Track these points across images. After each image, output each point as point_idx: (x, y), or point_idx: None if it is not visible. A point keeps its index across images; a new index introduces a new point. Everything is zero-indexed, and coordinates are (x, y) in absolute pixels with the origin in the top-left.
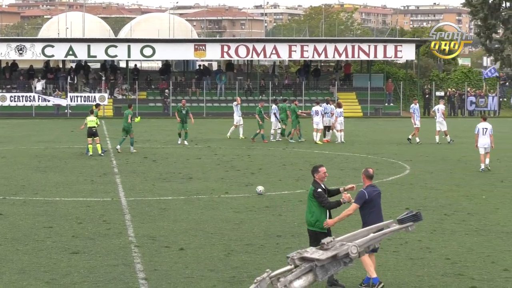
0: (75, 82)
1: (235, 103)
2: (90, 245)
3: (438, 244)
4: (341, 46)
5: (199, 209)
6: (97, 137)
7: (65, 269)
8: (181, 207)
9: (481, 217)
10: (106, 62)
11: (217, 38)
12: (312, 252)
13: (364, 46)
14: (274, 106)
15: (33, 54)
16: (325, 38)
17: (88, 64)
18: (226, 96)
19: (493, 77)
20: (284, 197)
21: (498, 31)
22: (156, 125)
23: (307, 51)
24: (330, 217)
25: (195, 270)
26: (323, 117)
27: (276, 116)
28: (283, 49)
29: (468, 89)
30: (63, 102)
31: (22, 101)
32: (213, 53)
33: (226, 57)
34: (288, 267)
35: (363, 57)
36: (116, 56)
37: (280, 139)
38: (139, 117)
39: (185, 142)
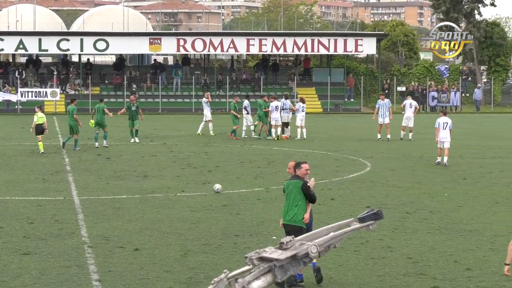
0: (23, 76)
1: (205, 99)
2: (42, 245)
3: (399, 243)
4: (300, 40)
5: (154, 208)
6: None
7: (16, 270)
8: (136, 206)
9: (443, 215)
10: (58, 56)
11: (173, 31)
12: (271, 252)
13: (324, 40)
14: (246, 101)
15: None
16: (284, 31)
17: (40, 58)
18: (183, 92)
19: (446, 77)
20: (243, 195)
21: (461, 25)
22: (109, 122)
23: (265, 45)
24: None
25: (150, 271)
26: (281, 113)
27: (247, 111)
28: (241, 43)
29: (431, 83)
30: (13, 98)
31: None
32: (168, 47)
33: (182, 51)
34: (247, 268)
35: (322, 51)
36: (68, 50)
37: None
38: (92, 122)
39: (136, 140)
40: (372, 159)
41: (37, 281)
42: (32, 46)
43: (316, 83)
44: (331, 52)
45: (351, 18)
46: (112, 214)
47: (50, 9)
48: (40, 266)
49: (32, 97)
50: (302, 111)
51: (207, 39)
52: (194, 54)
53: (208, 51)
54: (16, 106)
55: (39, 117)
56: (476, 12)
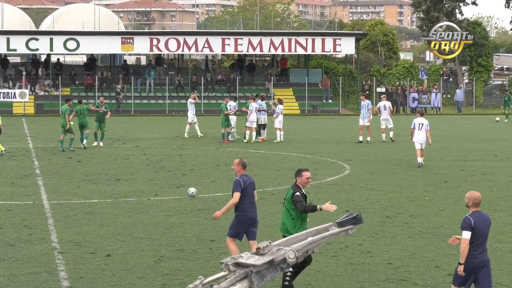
0: None
1: (191, 100)
2: (11, 251)
3: (379, 248)
4: (277, 40)
5: (127, 213)
6: None
7: None
8: (108, 210)
9: (424, 219)
10: (27, 56)
11: (146, 30)
12: (248, 258)
13: (302, 40)
14: (260, 101)
15: None
16: (260, 31)
17: (8, 58)
18: (156, 93)
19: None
20: (218, 199)
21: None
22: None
23: (241, 44)
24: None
25: (123, 277)
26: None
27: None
28: (216, 42)
29: (412, 84)
30: None
31: None
32: (141, 47)
33: (156, 51)
34: (222, 273)
35: (300, 51)
36: (37, 49)
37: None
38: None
39: (101, 144)
40: (351, 162)
41: None
42: (0, 45)
43: (293, 84)
44: (309, 52)
45: (329, 17)
46: (83, 219)
47: (19, 8)
48: (8, 272)
49: (0, 98)
50: (281, 113)
51: (181, 38)
52: (168, 54)
53: (182, 51)
54: None
55: None
56: (457, 11)
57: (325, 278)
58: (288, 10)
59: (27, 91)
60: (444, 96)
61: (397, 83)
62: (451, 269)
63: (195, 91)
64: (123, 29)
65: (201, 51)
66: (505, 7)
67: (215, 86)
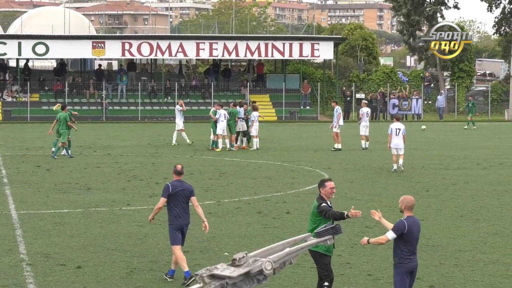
0: None
1: (178, 107)
2: None
3: (359, 259)
4: (253, 44)
5: (98, 223)
6: None
7: None
8: (78, 220)
9: None
10: None
11: (118, 34)
12: (223, 269)
13: (278, 44)
14: (239, 108)
15: None
16: (236, 35)
17: None
18: (128, 99)
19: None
20: (192, 209)
21: (423, 28)
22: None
23: (216, 49)
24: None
25: None
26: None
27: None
28: (190, 47)
29: (393, 90)
30: None
31: None
32: (113, 51)
33: (128, 56)
34: (197, 286)
35: (277, 56)
36: (5, 54)
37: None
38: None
39: (69, 152)
40: (330, 170)
41: None
42: None
43: (270, 90)
44: (286, 57)
45: (307, 21)
46: (53, 229)
47: None
48: None
49: None
50: (256, 120)
51: (154, 42)
52: (140, 59)
53: (155, 55)
54: None
55: None
56: (438, 15)
57: None
58: (264, 14)
59: None
60: (425, 102)
61: (379, 89)
62: (433, 280)
63: (157, 99)
64: (94, 33)
65: (175, 55)
66: (488, 11)
67: (190, 92)
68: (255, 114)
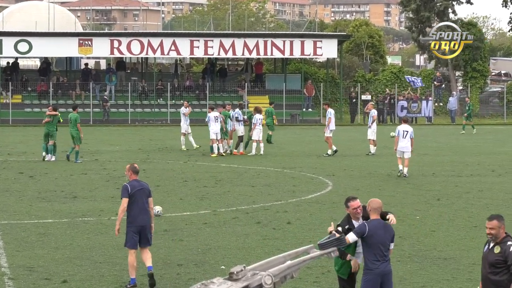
0: None
1: (183, 108)
2: None
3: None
4: (251, 42)
5: (85, 234)
6: None
7: None
8: (63, 231)
9: (414, 241)
10: None
11: (106, 31)
12: (219, 284)
13: (278, 42)
14: (238, 110)
15: None
16: (233, 32)
17: None
18: (117, 100)
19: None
20: (186, 219)
21: (433, 25)
22: (33, 134)
23: (211, 47)
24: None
25: None
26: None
27: (239, 121)
28: (183, 44)
29: (404, 92)
30: None
31: None
32: (101, 49)
33: (117, 54)
34: None
35: (277, 54)
36: None
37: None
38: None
39: (53, 158)
40: (334, 178)
41: None
42: None
43: (269, 91)
44: (287, 55)
45: (309, 17)
46: (36, 241)
47: None
48: None
49: None
50: (259, 123)
51: (145, 40)
52: (130, 58)
53: (146, 54)
54: None
55: None
56: (450, 10)
57: None
58: (263, 9)
59: None
60: (436, 104)
61: (385, 91)
62: None
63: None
64: (80, 30)
65: (168, 54)
66: (503, 6)
67: (183, 93)
68: (258, 117)
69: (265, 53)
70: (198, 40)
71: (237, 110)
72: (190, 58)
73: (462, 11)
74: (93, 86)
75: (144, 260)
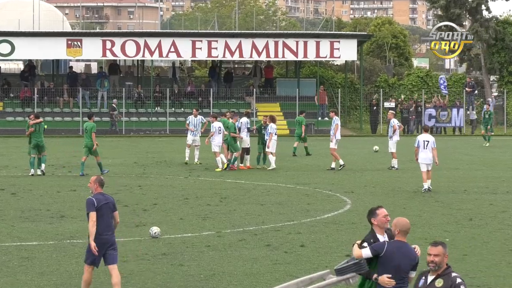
0: None
1: (192, 117)
2: None
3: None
4: (260, 42)
5: (73, 258)
6: None
7: None
8: (49, 255)
9: None
10: None
11: (97, 31)
12: None
13: (291, 43)
14: (245, 119)
15: None
16: (240, 31)
17: None
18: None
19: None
20: (187, 241)
21: (464, 23)
22: (15, 146)
23: (216, 48)
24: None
25: None
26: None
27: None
28: (184, 46)
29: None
30: None
31: None
32: (92, 51)
33: (109, 56)
34: None
35: (289, 56)
36: None
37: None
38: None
39: (39, 171)
40: (353, 195)
41: None
42: None
43: (280, 98)
44: (300, 58)
45: (325, 14)
46: (19, 265)
47: None
48: None
49: None
50: (275, 133)
51: (141, 40)
52: (125, 60)
53: (143, 56)
54: None
55: None
56: (483, 7)
57: None
58: (274, 6)
59: None
60: (468, 112)
61: (416, 96)
62: None
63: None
64: (69, 29)
65: (166, 56)
66: None
67: (184, 100)
68: (273, 126)
69: (276, 55)
70: (201, 41)
71: (244, 119)
72: (192, 60)
73: (497, 8)
74: (82, 92)
75: (113, 285)
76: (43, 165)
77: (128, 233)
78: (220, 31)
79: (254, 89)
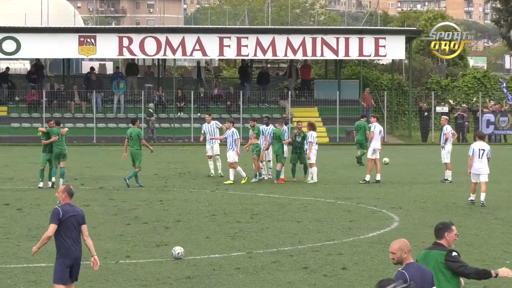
0: None
1: (206, 124)
2: None
3: None
4: (296, 39)
5: (87, 282)
6: None
7: None
8: None
9: None
10: None
11: (113, 26)
12: None
13: (331, 39)
14: (266, 127)
15: None
16: (273, 27)
17: None
18: (127, 113)
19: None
20: (214, 262)
21: None
22: (21, 156)
23: (246, 46)
24: None
25: None
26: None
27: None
28: (211, 43)
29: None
30: None
31: None
32: (107, 49)
33: (127, 55)
34: None
35: (329, 55)
36: None
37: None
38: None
39: (52, 182)
40: (401, 211)
41: None
42: None
43: (319, 102)
44: (341, 56)
45: (368, 7)
46: None
47: None
48: None
49: None
50: (316, 143)
51: (162, 37)
52: (144, 60)
53: (164, 54)
54: None
55: None
56: None
57: None
58: None
59: None
60: None
61: (465, 102)
62: None
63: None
64: (81, 25)
65: (191, 55)
66: None
67: (210, 104)
68: (313, 135)
69: (314, 54)
70: (229, 38)
71: (270, 126)
72: (219, 60)
73: None
74: (96, 95)
75: None
76: (61, 181)
77: (148, 253)
78: (251, 27)
79: (289, 92)
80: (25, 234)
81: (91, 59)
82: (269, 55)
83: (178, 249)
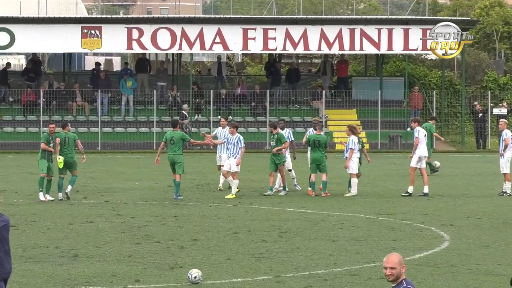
0: None
1: (221, 129)
2: None
3: None
4: (331, 31)
5: None
6: None
7: None
8: None
9: None
10: None
11: (121, 16)
12: None
13: (371, 31)
14: (288, 130)
15: None
16: (305, 17)
17: None
18: (137, 115)
19: None
20: (237, 287)
21: None
22: (15, 165)
23: (274, 39)
24: None
25: None
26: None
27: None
28: (233, 35)
29: None
30: None
31: None
32: (113, 43)
33: (137, 49)
34: None
35: (369, 49)
36: None
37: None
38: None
39: (66, 193)
40: (452, 229)
41: None
42: None
43: (358, 102)
44: (383, 51)
45: None
46: None
47: None
48: None
49: None
50: (358, 150)
51: (177, 29)
52: (156, 54)
53: (179, 48)
54: None
55: None
56: None
57: None
58: None
59: None
60: None
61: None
62: None
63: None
64: (85, 15)
65: (210, 49)
66: None
67: (233, 106)
68: (354, 140)
69: (352, 48)
70: (255, 29)
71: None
72: (243, 54)
73: None
74: (101, 95)
75: None
76: (69, 187)
77: (160, 277)
78: (280, 17)
79: (324, 91)
80: (20, 255)
81: (95, 54)
82: (300, 49)
83: (195, 272)
